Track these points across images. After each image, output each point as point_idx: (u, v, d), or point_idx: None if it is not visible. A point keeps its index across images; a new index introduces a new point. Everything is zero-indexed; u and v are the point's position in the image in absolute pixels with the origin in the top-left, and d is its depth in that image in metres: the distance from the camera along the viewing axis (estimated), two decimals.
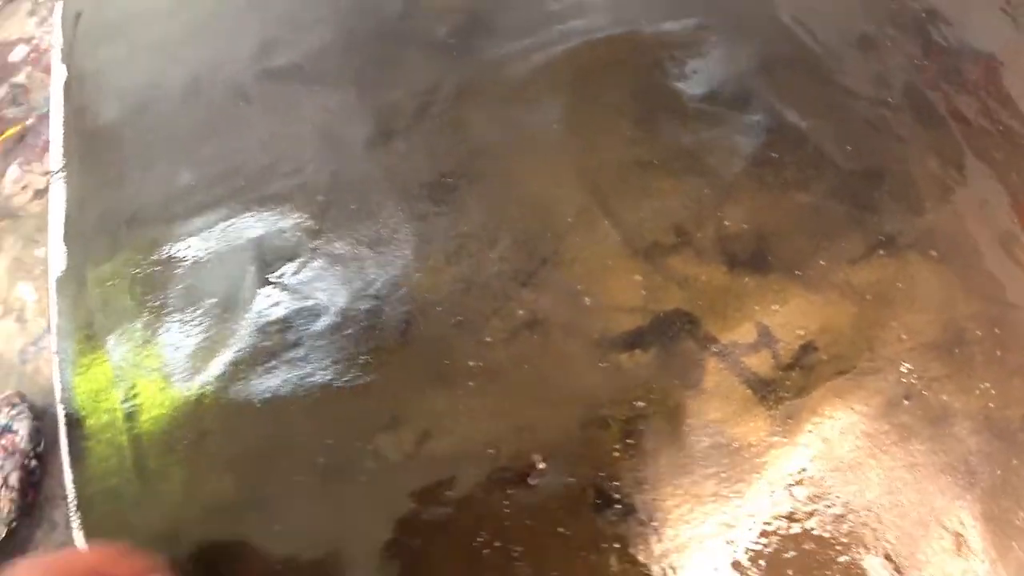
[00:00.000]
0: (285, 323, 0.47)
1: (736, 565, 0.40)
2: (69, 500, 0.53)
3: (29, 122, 0.70)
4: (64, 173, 0.62)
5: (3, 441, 0.57)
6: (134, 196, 0.57)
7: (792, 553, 0.41)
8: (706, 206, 0.45)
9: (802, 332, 0.44)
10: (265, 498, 0.44)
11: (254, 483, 0.44)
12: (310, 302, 0.47)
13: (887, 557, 0.41)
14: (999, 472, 0.43)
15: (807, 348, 0.44)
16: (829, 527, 0.41)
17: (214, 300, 0.50)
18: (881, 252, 0.46)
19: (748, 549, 0.40)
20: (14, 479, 0.56)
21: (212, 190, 0.54)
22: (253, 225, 0.51)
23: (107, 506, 0.49)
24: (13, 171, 0.68)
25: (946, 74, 0.52)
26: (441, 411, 0.42)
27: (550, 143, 0.47)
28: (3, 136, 0.73)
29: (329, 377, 0.44)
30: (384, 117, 0.50)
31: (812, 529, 0.41)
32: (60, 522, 0.54)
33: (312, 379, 0.45)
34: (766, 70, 0.50)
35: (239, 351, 0.48)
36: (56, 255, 0.58)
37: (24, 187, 0.66)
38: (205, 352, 0.49)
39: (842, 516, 0.42)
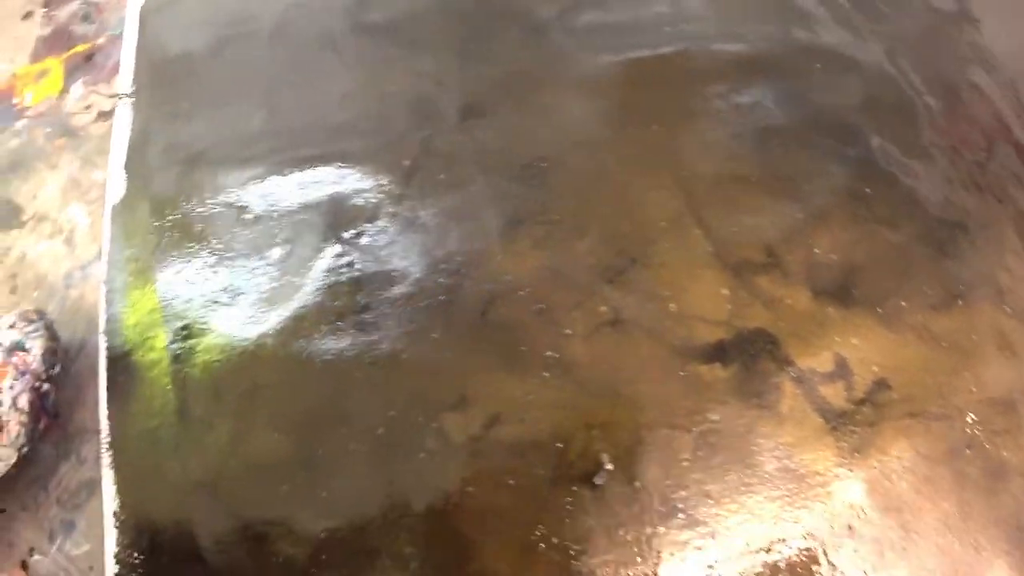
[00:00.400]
0: (356, 285, 0.45)
1: None
2: (102, 436, 0.50)
3: (99, 41, 0.67)
4: (132, 99, 0.59)
5: (14, 359, 0.54)
6: (205, 133, 0.55)
7: (862, 564, 0.40)
8: (798, 231, 0.45)
9: (877, 369, 0.44)
10: (316, 461, 0.42)
11: (306, 444, 0.43)
12: (386, 267, 0.46)
13: None
14: None
15: (881, 385, 0.43)
16: (881, 564, 0.41)
17: (282, 251, 0.49)
18: (960, 302, 0.46)
19: (803, 572, 0.40)
20: (24, 401, 0.53)
21: (290, 138, 0.52)
22: (330, 180, 0.50)
23: (143, 447, 0.47)
24: (77, 89, 0.65)
25: None
26: (513, 397, 0.41)
27: (648, 144, 0.46)
28: (70, 52, 0.70)
29: (399, 347, 0.43)
30: (481, 90, 0.49)
31: (864, 562, 0.41)
32: (89, 458, 0.51)
33: (380, 347, 0.43)
34: (867, 108, 0.50)
35: (304, 307, 0.46)
36: (115, 182, 0.56)
37: (88, 107, 0.64)
38: (266, 303, 0.47)
39: (894, 555, 0.41)
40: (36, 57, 0.70)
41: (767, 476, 0.40)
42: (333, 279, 0.46)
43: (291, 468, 0.43)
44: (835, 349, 0.43)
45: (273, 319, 0.47)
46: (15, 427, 0.52)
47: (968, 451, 0.44)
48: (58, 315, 0.54)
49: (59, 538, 0.48)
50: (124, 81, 0.62)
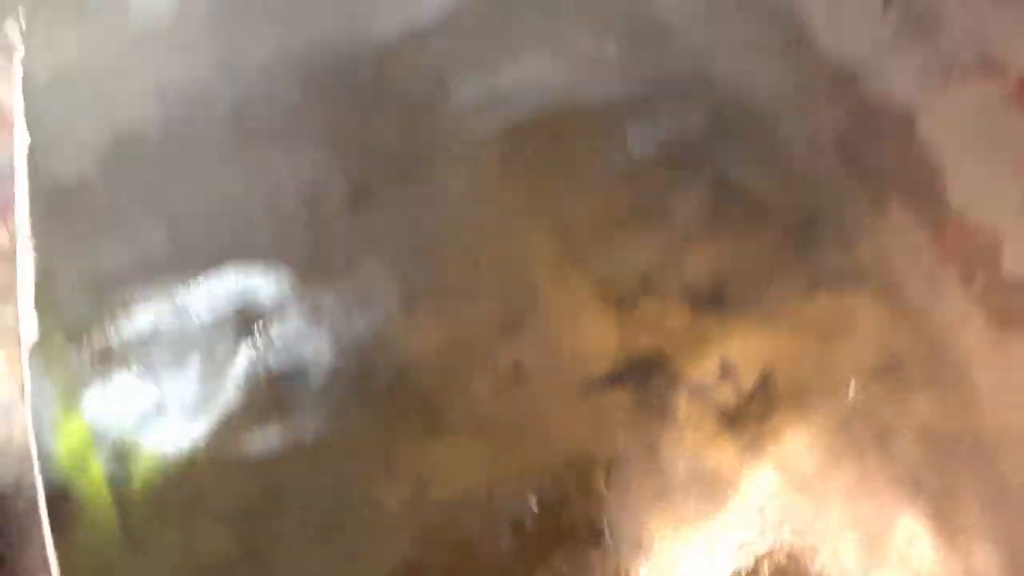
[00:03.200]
0: (273, 379, 0.50)
1: None
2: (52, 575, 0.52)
3: None
4: (31, 237, 0.63)
5: None
6: (109, 256, 0.59)
7: (768, 566, 0.46)
8: (667, 255, 0.52)
9: (760, 362, 0.51)
10: (261, 553, 0.46)
11: (250, 539, 0.47)
12: (297, 358, 0.51)
13: (848, 561, 0.47)
14: (940, 478, 0.50)
15: (766, 376, 0.50)
16: (798, 539, 0.47)
17: (200, 360, 0.53)
18: (823, 288, 0.54)
19: (729, 566, 0.46)
20: None
21: (192, 248, 0.57)
22: (235, 283, 0.55)
23: None
24: None
25: (870, 128, 0.62)
26: (436, 460, 0.46)
27: (526, 200, 0.53)
28: None
29: (322, 432, 0.48)
30: (366, 176, 0.55)
31: (783, 539, 0.47)
32: None
33: (304, 435, 0.48)
34: (714, 131, 0.58)
35: (229, 410, 0.51)
36: (27, 324, 0.60)
37: None
38: (194, 412, 0.52)
39: (808, 528, 0.48)
40: None
41: (679, 483, 0.47)
42: (250, 377, 0.50)
43: (238, 566, 0.47)
44: (719, 354, 0.50)
45: (203, 427, 0.51)
46: None
47: (856, 419, 0.51)
48: None
49: None
50: (20, 220, 0.66)
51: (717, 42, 0.65)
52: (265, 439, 0.48)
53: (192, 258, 0.59)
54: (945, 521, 0.50)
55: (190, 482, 0.50)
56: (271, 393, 0.51)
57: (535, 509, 0.45)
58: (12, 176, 0.73)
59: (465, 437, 0.46)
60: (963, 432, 0.52)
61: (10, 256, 0.70)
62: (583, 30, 0.63)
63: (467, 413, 0.47)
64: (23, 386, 0.60)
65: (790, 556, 0.47)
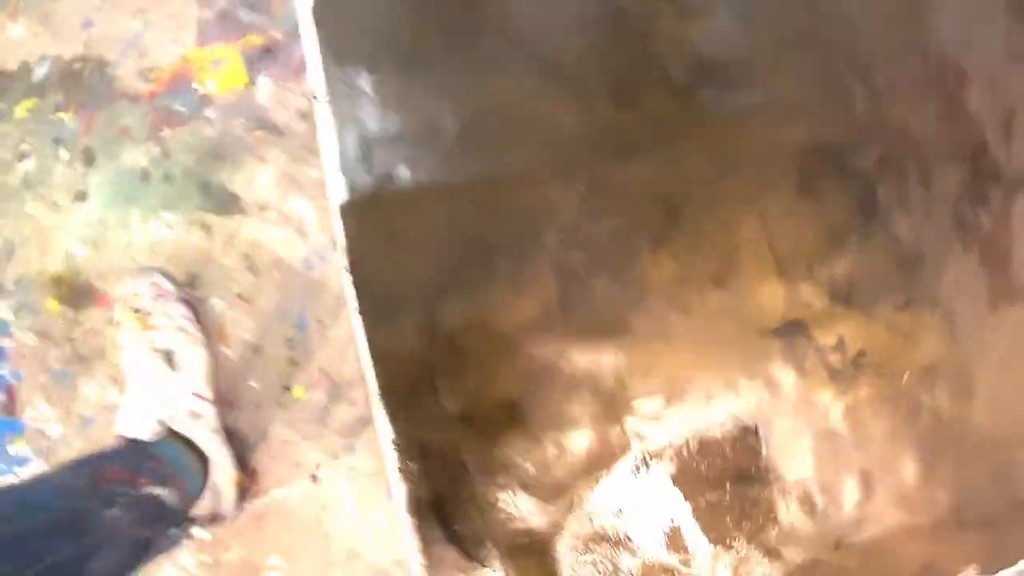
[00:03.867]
0: (555, 283, 0.71)
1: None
2: (370, 385, 0.71)
3: (275, 35, 0.78)
4: (329, 104, 0.77)
5: (162, 295, 0.72)
6: (410, 148, 0.76)
7: (837, 451, 0.74)
8: (827, 254, 0.76)
9: (861, 345, 0.77)
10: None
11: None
12: (576, 272, 0.72)
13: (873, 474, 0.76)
14: (938, 443, 0.79)
15: (861, 354, 0.77)
16: (849, 454, 0.75)
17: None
18: (912, 305, 0.79)
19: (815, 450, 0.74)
20: (187, 312, 0.73)
21: (489, 155, 0.75)
22: (523, 193, 0.74)
23: (404, 392, 0.71)
24: (265, 84, 0.78)
25: (981, 198, 0.85)
26: (670, 361, 0.70)
27: (739, 190, 0.75)
28: (243, 42, 0.80)
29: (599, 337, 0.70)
30: (634, 133, 0.74)
31: (840, 450, 0.75)
32: (358, 401, 0.70)
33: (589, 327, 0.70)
34: (881, 167, 0.80)
35: (519, 302, 0.71)
36: (336, 183, 0.76)
37: (282, 104, 0.77)
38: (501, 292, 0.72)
39: (855, 450, 0.76)
40: (203, 41, 0.81)
41: (800, 405, 0.73)
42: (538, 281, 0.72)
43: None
44: (838, 332, 0.76)
45: (502, 307, 0.72)
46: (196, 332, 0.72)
47: (903, 396, 0.79)
48: (306, 292, 0.74)
49: (343, 456, 0.71)
50: (314, 83, 0.79)
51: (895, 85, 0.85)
52: (540, 348, 0.70)
53: (488, 163, 0.75)
54: (932, 469, 0.79)
55: (488, 337, 0.70)
56: (550, 296, 0.71)
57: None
58: (299, 39, 0.83)
59: (679, 346, 0.70)
60: (961, 421, 0.81)
61: (309, 115, 0.81)
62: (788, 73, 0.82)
63: (687, 333, 0.70)
64: (335, 236, 0.75)
65: (850, 447, 0.75)
